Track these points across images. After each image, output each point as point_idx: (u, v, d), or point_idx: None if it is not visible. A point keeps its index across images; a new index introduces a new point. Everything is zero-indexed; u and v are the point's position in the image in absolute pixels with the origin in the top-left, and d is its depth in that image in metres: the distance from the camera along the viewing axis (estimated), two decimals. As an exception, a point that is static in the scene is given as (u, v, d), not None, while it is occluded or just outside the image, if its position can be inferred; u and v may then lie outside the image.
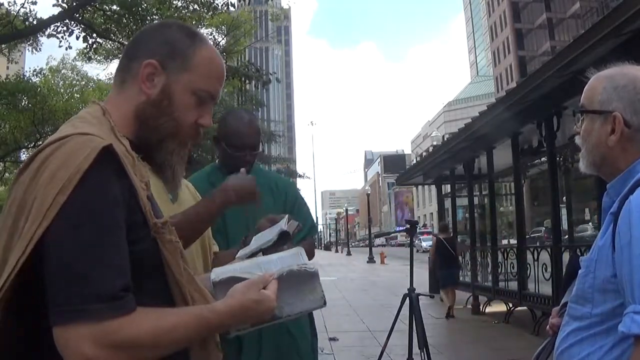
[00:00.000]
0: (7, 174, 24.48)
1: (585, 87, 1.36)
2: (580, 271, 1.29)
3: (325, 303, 1.13)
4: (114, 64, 19.70)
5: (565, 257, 6.43)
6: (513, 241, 10.29)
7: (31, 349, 0.94)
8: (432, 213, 63.66)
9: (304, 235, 2.25)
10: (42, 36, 14.28)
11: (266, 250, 1.55)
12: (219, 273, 1.13)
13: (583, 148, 1.36)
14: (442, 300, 9.18)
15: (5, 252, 0.93)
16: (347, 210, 62.72)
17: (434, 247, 9.53)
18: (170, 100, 1.09)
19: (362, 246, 73.80)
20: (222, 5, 13.19)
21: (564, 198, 8.65)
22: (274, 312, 1.06)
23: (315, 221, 2.50)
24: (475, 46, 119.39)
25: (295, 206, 2.28)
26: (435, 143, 19.24)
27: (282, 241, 1.56)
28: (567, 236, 7.81)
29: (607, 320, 1.17)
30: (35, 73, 20.15)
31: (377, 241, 36.83)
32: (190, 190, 1.88)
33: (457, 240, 9.77)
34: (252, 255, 1.56)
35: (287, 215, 1.63)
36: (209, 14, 13.85)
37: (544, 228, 22.19)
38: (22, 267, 0.89)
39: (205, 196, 1.66)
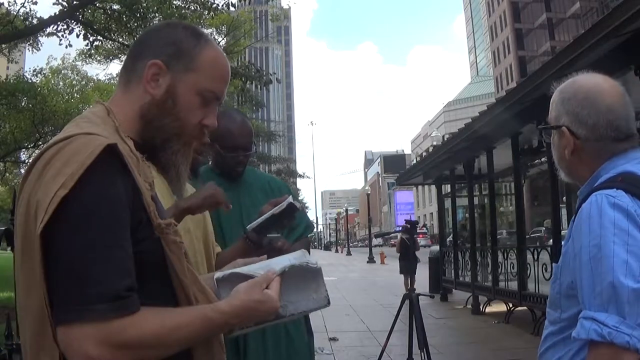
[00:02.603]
0: (7, 174, 24.47)
1: None
2: (551, 277, 1.32)
3: (329, 302, 1.13)
4: (114, 64, 19.76)
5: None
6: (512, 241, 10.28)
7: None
8: (432, 213, 63.63)
9: (300, 234, 2.25)
10: (42, 35, 14.29)
11: (277, 218, 1.59)
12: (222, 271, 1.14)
13: (555, 160, 1.40)
14: (407, 286, 11.12)
15: (23, 254, 0.94)
16: (347, 210, 62.64)
17: (398, 244, 12.16)
18: (175, 100, 1.08)
19: (360, 246, 73.79)
20: (222, 5, 13.19)
21: (564, 198, 8.65)
22: (277, 311, 1.06)
23: (310, 221, 2.50)
24: (475, 46, 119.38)
25: None
26: (435, 143, 19.25)
27: (291, 211, 1.60)
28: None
29: (574, 324, 1.18)
30: (35, 73, 20.15)
31: (375, 241, 36.94)
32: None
33: (417, 240, 11.85)
34: (264, 223, 1.60)
35: (290, 195, 1.65)
36: (209, 14, 13.85)
37: (544, 228, 22.20)
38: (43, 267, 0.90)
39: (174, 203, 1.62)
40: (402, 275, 12.00)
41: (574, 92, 1.31)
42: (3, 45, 14.90)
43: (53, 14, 11.42)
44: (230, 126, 2.15)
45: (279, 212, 1.63)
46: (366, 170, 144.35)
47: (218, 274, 1.13)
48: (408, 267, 10.94)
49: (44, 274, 0.90)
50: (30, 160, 1.04)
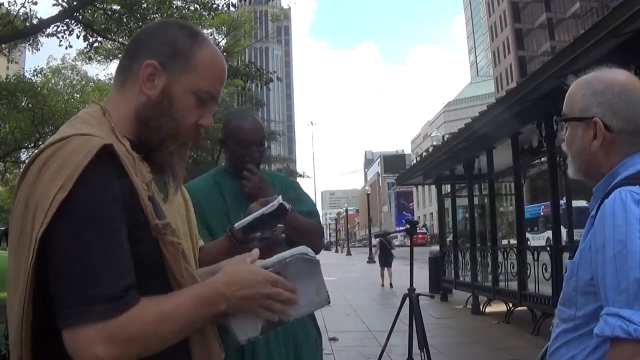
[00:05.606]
0: (7, 174, 24.47)
1: (566, 95, 1.37)
2: (565, 274, 1.30)
3: (329, 302, 1.14)
4: (114, 64, 19.70)
5: (565, 257, 6.42)
6: (513, 241, 10.28)
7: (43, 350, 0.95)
8: (432, 213, 63.61)
9: (306, 211, 2.23)
10: (42, 36, 14.29)
11: (266, 218, 1.57)
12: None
13: (569, 155, 1.38)
14: (382, 277, 15.21)
15: (16, 255, 0.94)
16: (347, 210, 62.64)
17: (379, 245, 16.29)
18: (171, 101, 1.08)
19: (359, 246, 73.72)
20: (222, 5, 13.19)
21: (564, 198, 8.65)
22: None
23: (315, 208, 2.49)
24: (475, 46, 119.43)
25: (297, 195, 2.29)
26: (435, 143, 19.28)
27: (281, 212, 1.59)
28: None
29: (590, 322, 1.17)
30: (35, 73, 20.16)
31: (374, 241, 36.94)
32: (182, 191, 1.89)
33: (392, 241, 16.52)
34: (254, 221, 1.59)
35: (280, 196, 1.65)
36: (209, 15, 13.84)
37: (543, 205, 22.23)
38: (35, 269, 0.90)
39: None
40: (385, 270, 15.10)
41: (607, 84, 1.29)
42: (3, 45, 14.90)
43: (54, 15, 11.42)
44: (242, 123, 2.18)
45: (268, 212, 1.61)
46: (366, 170, 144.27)
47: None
48: (385, 262, 15.19)
49: (32, 275, 0.90)
50: (29, 161, 1.04)
